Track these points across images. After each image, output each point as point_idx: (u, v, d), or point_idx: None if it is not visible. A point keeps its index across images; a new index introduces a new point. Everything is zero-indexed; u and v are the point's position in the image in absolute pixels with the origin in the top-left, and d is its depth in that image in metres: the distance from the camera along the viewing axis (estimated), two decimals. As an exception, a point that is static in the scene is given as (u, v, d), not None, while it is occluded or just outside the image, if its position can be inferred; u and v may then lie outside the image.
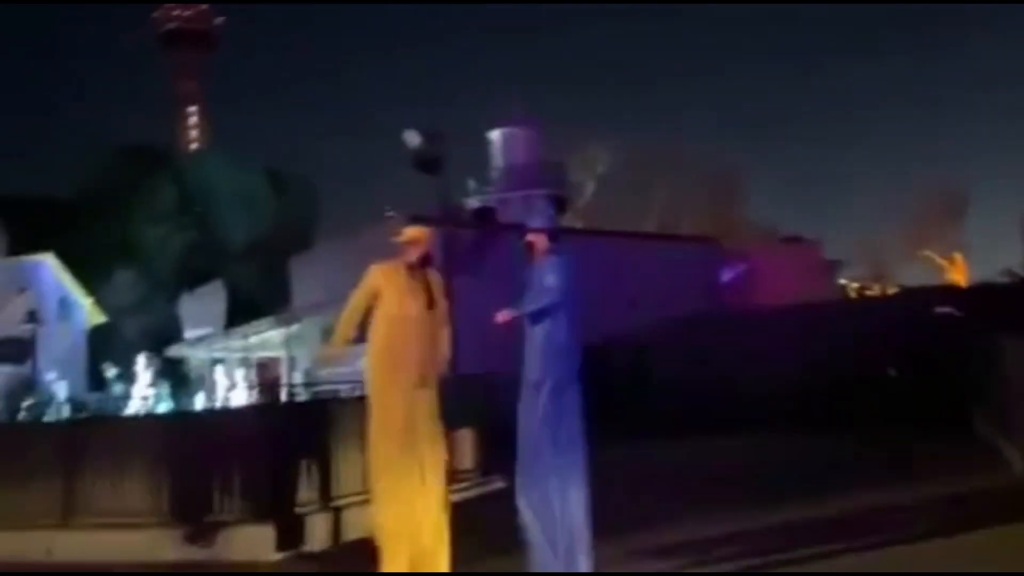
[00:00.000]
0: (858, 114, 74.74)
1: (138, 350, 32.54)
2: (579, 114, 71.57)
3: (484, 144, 26.68)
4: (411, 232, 5.37)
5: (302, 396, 8.18)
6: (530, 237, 4.97)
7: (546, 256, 4.93)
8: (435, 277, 5.39)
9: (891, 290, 34.36)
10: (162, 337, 30.80)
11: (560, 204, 25.32)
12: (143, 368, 24.87)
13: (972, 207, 43.97)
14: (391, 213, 20.71)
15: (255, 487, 6.83)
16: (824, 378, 13.33)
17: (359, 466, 7.44)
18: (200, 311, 21.31)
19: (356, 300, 5.27)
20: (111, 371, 33.22)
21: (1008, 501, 6.46)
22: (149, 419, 9.01)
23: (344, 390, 8.65)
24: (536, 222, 5.07)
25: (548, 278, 4.80)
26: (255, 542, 6.63)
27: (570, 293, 4.84)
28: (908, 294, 18.56)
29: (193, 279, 26.87)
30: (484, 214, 17.36)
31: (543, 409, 4.68)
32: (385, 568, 4.95)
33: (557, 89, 66.10)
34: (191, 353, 23.97)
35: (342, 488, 7.29)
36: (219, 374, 22.30)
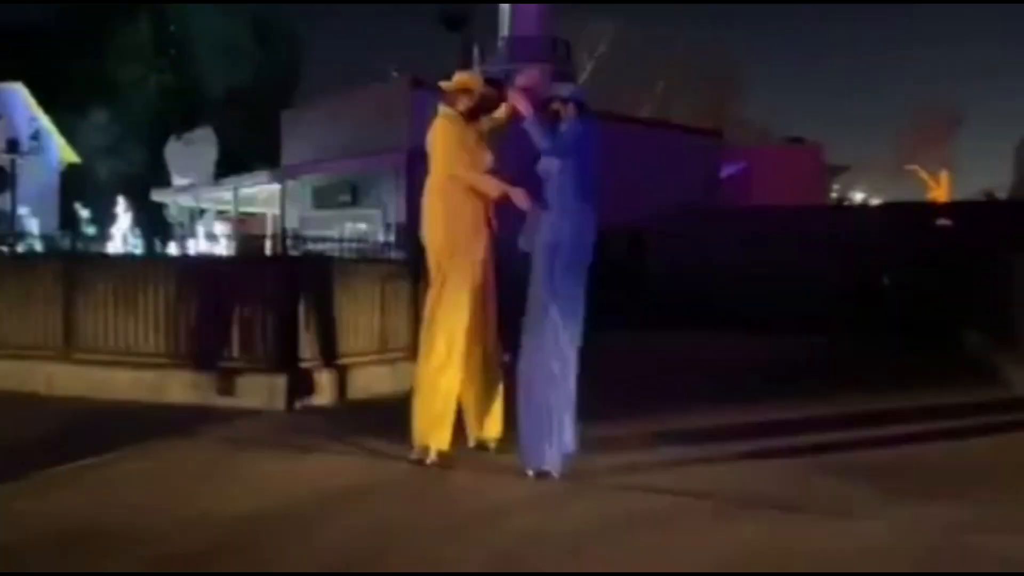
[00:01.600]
0: (863, 24, 72.76)
1: (113, 193, 31.93)
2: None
3: (493, 12, 25.62)
4: (461, 78, 4.98)
5: (292, 252, 7.98)
6: (556, 106, 4.73)
7: (568, 123, 4.69)
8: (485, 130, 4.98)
9: (871, 202, 34.48)
10: (140, 182, 30.11)
11: (564, 80, 24.58)
12: (122, 210, 24.36)
13: (967, 127, 43.91)
14: (396, 73, 19.96)
15: (265, 337, 6.71)
16: (819, 281, 13.41)
17: (363, 326, 7.42)
18: (189, 159, 20.68)
19: (457, 158, 4.83)
20: (84, 212, 32.63)
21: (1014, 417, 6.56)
22: (153, 259, 8.76)
23: (330, 250, 8.42)
24: (564, 91, 4.83)
25: (561, 140, 4.60)
26: (265, 392, 6.57)
27: (590, 166, 4.67)
28: (903, 206, 18.59)
29: (174, 126, 26.01)
30: (491, 84, 16.59)
31: (552, 285, 4.59)
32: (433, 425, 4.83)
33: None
34: (176, 201, 23.47)
35: (346, 347, 7.22)
36: (201, 224, 21.97)
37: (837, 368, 9.60)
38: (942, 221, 14.35)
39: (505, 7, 25.64)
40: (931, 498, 4.27)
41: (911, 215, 16.37)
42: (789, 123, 72.70)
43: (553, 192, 4.64)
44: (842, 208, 25.45)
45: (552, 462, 4.58)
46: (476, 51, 23.92)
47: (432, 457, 4.82)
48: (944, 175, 40.80)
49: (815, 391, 7.59)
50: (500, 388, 5.06)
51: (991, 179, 45.39)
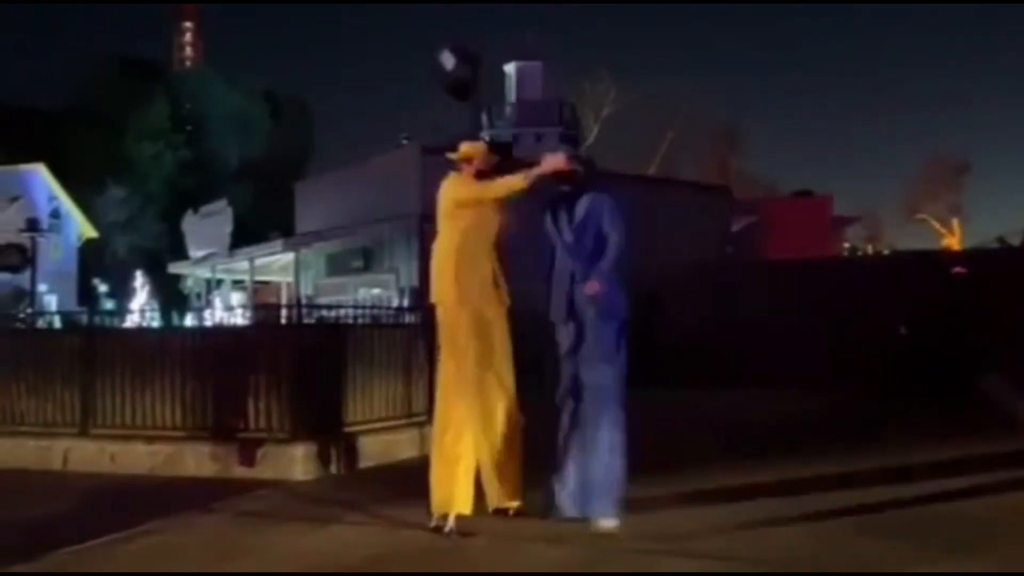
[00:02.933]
0: (864, 75, 73.89)
1: (131, 267, 32.40)
2: (589, 53, 69.95)
3: (499, 76, 26.23)
4: (466, 148, 5.14)
5: (307, 319, 8.02)
6: (572, 166, 4.86)
7: (592, 194, 4.83)
8: None
9: (884, 252, 34.44)
10: (158, 255, 30.52)
11: (572, 144, 25.00)
12: (140, 285, 24.60)
13: (975, 174, 44.07)
14: (406, 140, 20.32)
15: (282, 406, 6.69)
16: (838, 334, 13.26)
17: (381, 392, 7.38)
18: (205, 231, 21.00)
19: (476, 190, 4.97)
20: (102, 287, 33.08)
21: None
22: (169, 331, 8.82)
23: (345, 316, 8.47)
24: (571, 153, 5.08)
25: (605, 221, 4.76)
26: (284, 462, 6.52)
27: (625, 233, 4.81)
28: (918, 255, 18.51)
29: (190, 199, 26.46)
30: (501, 148, 16.78)
31: (601, 345, 4.67)
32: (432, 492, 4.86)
33: (569, 24, 64.74)
34: (193, 272, 23.74)
35: (364, 413, 7.18)
36: (218, 295, 22.16)
37: (859, 421, 9.43)
38: (957, 269, 14.23)
39: (511, 73, 26.29)
40: (966, 555, 4.16)
41: (926, 264, 16.27)
42: (795, 176, 73.10)
43: (606, 271, 4.72)
44: (856, 259, 25.40)
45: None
46: (485, 116, 24.41)
47: (451, 524, 4.74)
48: (956, 222, 40.76)
49: (839, 445, 7.44)
50: (519, 453, 4.99)
51: (1003, 225, 45.31)
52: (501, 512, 5.00)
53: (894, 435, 8.19)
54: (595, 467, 4.67)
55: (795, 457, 6.85)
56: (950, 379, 11.40)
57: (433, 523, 4.79)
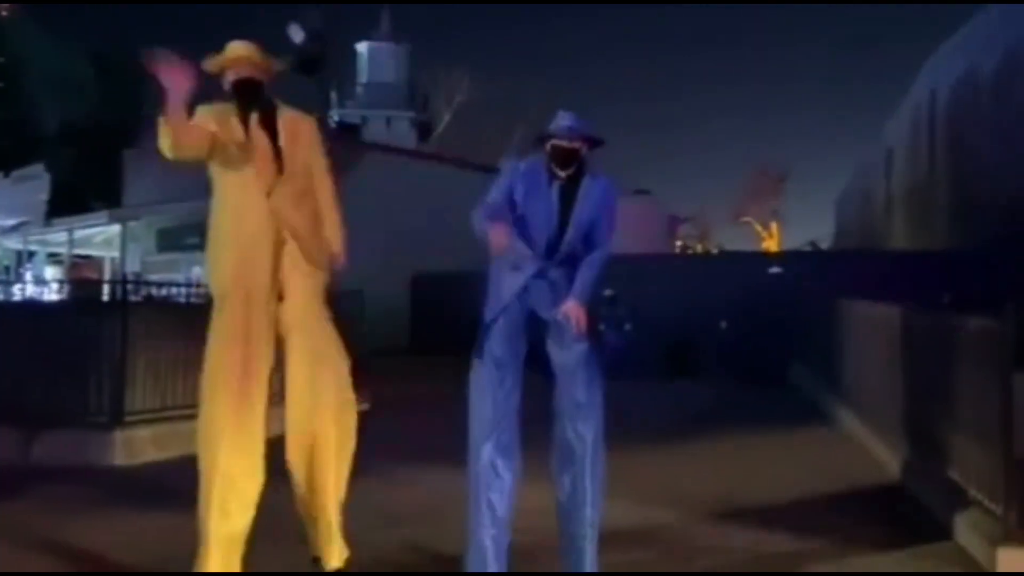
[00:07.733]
0: (693, 82, 78.01)
1: (-74, 233, 29.14)
2: (442, 40, 69.68)
3: (351, 55, 25.65)
4: (236, 48, 3.54)
5: (132, 297, 7.56)
6: (575, 144, 3.53)
7: (592, 176, 3.60)
8: (294, 121, 3.60)
9: (712, 251, 36.68)
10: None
11: (423, 130, 24.86)
12: (-64, 253, 22.21)
13: (793, 182, 47.64)
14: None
15: (99, 389, 6.28)
16: (664, 326, 14.00)
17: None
18: (17, 197, 19.21)
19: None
20: None
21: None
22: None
23: (175, 295, 8.06)
24: (569, 122, 3.56)
25: (606, 216, 3.59)
26: (99, 447, 6.12)
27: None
28: (738, 255, 19.84)
29: (1, 162, 24.15)
30: (347, 130, 16.57)
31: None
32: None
33: (427, 10, 64.04)
34: (1, 242, 21.70)
35: (192, 398, 6.84)
36: (29, 268, 20.41)
37: (680, 409, 9.98)
38: (774, 268, 15.38)
39: (364, 53, 25.76)
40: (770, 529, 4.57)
41: (747, 263, 17.42)
42: (629, 176, 76.28)
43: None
44: (685, 256, 26.88)
45: None
46: (333, 94, 23.81)
47: None
48: (775, 226, 43.92)
49: (651, 433, 7.90)
50: (341, 479, 3.60)
51: (816, 230, 49.36)
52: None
53: (711, 422, 8.74)
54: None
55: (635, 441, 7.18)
56: (765, 369, 12.33)
57: None
